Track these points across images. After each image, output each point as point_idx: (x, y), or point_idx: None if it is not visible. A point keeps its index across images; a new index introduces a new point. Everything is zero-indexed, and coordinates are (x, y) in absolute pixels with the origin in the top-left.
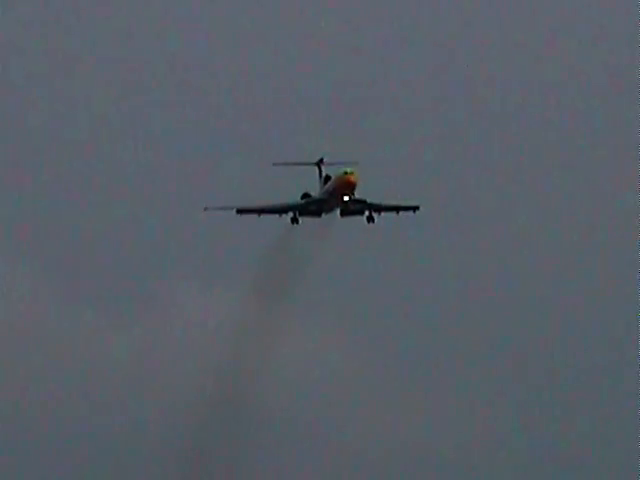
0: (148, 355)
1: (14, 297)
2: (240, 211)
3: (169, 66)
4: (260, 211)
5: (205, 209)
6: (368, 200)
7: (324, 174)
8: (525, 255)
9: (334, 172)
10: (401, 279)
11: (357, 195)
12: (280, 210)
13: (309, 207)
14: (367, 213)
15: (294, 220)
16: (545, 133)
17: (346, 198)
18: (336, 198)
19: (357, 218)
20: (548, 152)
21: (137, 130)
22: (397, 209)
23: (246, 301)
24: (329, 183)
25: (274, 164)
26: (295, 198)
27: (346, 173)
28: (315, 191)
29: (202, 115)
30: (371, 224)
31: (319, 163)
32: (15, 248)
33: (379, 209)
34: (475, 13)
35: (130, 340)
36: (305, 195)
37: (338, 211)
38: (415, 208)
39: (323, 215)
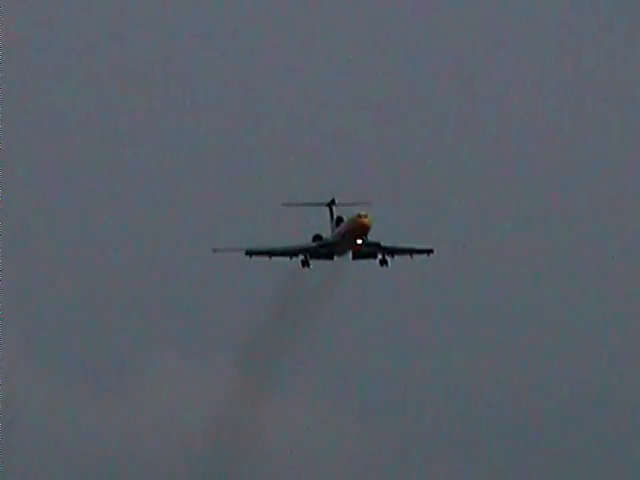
0: (133, 431)
1: None
2: (249, 253)
3: (173, 97)
4: (270, 253)
5: (214, 251)
6: (382, 243)
7: (336, 215)
8: (548, 302)
9: (346, 213)
10: (415, 329)
11: (370, 237)
12: (291, 252)
13: (321, 250)
14: (380, 256)
15: (305, 263)
16: (565, 174)
17: (359, 241)
18: (349, 241)
19: (370, 261)
20: (569, 192)
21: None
22: (411, 252)
23: (245, 367)
24: (342, 225)
25: (283, 204)
26: (306, 240)
27: (360, 216)
28: (326, 233)
29: (206, 153)
30: (384, 267)
31: (330, 204)
32: None
33: (392, 252)
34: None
35: (115, 415)
36: (316, 237)
37: (350, 254)
38: (429, 251)
39: (335, 258)
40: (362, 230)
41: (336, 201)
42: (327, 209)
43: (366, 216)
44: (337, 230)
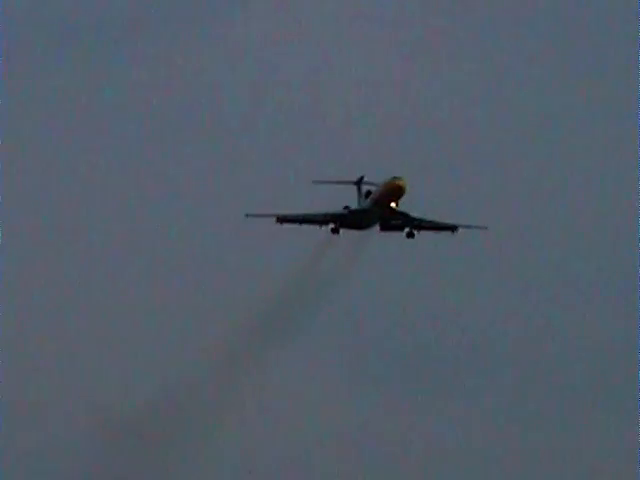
0: None
1: None
2: (280, 220)
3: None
4: (301, 220)
5: (247, 216)
6: (410, 213)
7: (364, 191)
8: (580, 285)
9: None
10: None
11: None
12: (322, 219)
13: (352, 217)
14: (408, 229)
15: (335, 230)
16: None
17: (393, 204)
18: (382, 206)
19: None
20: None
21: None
22: (435, 228)
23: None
24: (375, 190)
25: (314, 182)
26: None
27: (395, 178)
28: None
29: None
30: (411, 239)
31: (359, 182)
32: None
33: (419, 225)
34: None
35: None
36: (346, 208)
37: (378, 226)
38: (453, 228)
39: (364, 230)
40: (397, 192)
41: (365, 179)
42: (355, 187)
43: (401, 178)
44: (371, 196)
